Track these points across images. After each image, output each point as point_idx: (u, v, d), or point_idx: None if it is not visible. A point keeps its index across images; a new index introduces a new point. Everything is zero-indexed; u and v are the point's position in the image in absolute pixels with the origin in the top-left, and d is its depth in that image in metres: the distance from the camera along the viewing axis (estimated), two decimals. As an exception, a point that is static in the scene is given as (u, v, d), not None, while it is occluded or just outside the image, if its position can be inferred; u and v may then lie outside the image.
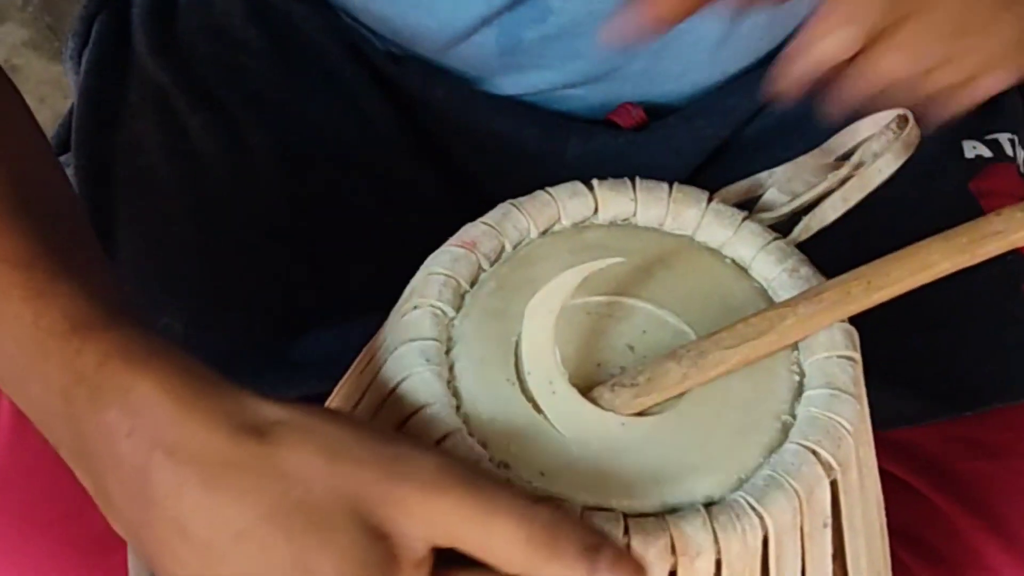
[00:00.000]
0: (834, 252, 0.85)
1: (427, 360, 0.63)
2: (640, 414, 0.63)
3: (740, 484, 0.61)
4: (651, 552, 0.57)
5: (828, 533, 0.63)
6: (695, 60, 0.91)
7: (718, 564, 0.59)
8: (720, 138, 0.93)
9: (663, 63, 0.90)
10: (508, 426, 0.62)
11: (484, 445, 0.60)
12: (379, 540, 0.51)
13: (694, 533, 0.58)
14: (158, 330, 0.80)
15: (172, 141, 0.88)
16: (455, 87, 0.91)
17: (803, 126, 0.91)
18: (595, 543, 0.52)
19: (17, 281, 0.57)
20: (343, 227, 0.90)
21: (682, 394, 0.64)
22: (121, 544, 0.77)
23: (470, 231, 0.68)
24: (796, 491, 0.60)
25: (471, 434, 0.61)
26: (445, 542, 0.52)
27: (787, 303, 0.65)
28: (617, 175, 0.88)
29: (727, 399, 0.64)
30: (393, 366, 0.63)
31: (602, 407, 0.63)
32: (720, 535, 0.58)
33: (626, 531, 0.57)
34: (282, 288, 0.86)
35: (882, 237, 0.86)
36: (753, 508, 0.60)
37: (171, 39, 0.93)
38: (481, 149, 0.92)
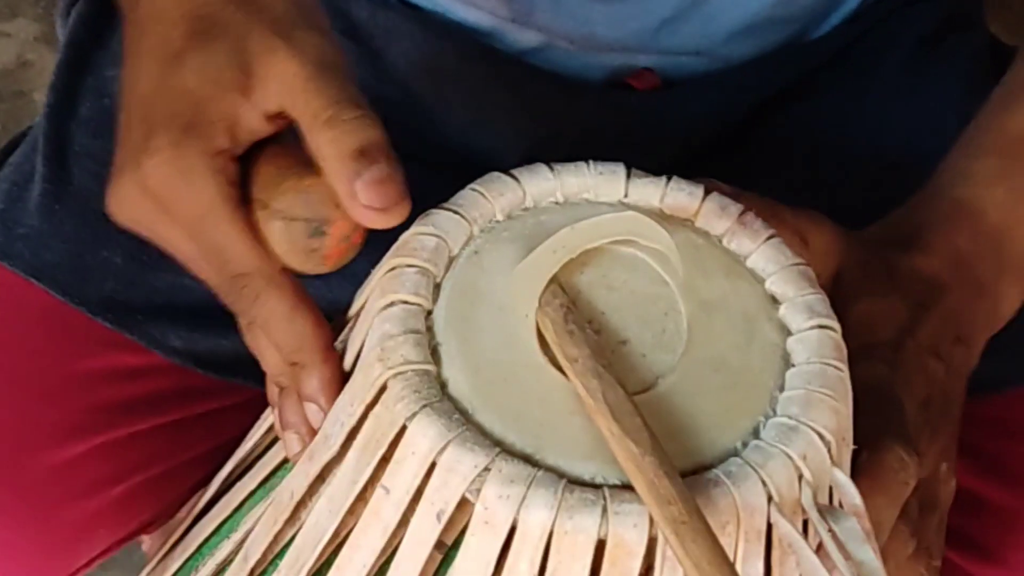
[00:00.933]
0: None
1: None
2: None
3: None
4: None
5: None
6: (716, 37, 0.91)
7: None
8: (733, 113, 0.94)
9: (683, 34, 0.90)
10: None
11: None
12: (243, 73, 0.61)
13: None
14: (96, 261, 0.84)
15: None
16: (468, 41, 0.92)
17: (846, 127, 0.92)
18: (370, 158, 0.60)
19: None
20: None
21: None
22: (88, 436, 0.83)
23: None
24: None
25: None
26: (285, 106, 0.62)
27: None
28: (630, 134, 0.90)
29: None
30: None
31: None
32: None
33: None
34: None
35: None
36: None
37: None
38: (491, 105, 0.92)
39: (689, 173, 0.92)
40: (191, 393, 0.88)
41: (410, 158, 0.91)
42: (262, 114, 0.63)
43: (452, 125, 0.93)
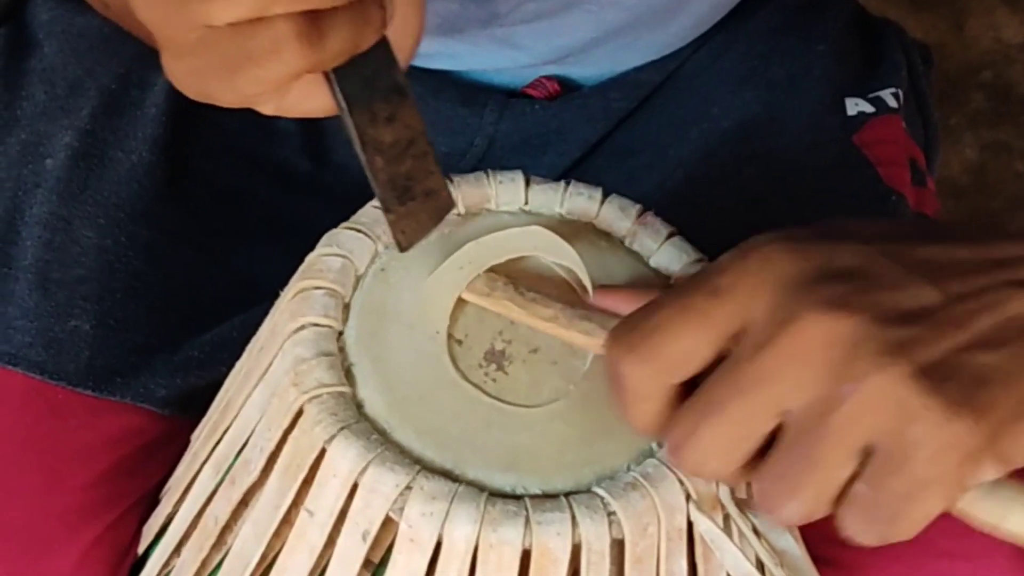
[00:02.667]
0: (727, 206, 0.86)
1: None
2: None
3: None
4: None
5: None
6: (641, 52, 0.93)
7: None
8: (630, 108, 0.94)
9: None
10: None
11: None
12: None
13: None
14: (66, 333, 0.82)
15: (79, 143, 0.88)
16: None
17: (712, 87, 0.93)
18: None
19: None
20: (246, 222, 0.91)
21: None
22: (95, 516, 0.80)
23: None
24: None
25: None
26: None
27: None
28: (532, 141, 0.91)
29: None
30: None
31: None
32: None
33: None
34: (188, 285, 0.87)
35: (772, 189, 0.87)
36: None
37: (88, 40, 0.93)
38: None
39: (590, 173, 0.93)
40: (180, 438, 0.83)
41: (315, 182, 0.93)
42: None
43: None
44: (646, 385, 0.55)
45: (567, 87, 0.94)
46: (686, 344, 0.54)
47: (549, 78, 0.93)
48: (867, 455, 0.53)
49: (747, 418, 0.53)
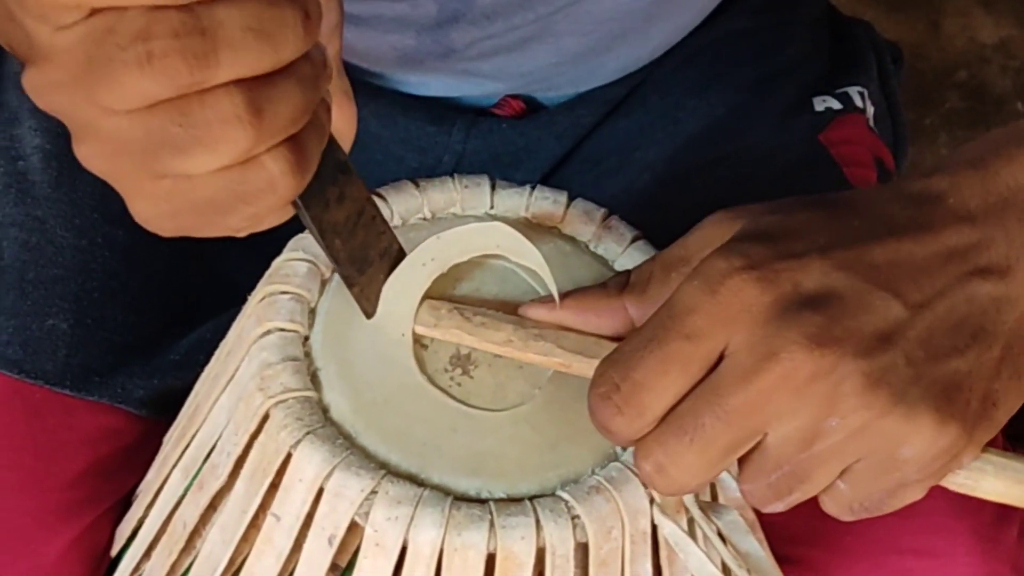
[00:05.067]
0: (694, 207, 0.85)
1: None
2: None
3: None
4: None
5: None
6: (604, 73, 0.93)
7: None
8: (597, 122, 0.94)
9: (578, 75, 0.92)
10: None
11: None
12: None
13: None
14: (44, 331, 0.82)
15: (51, 144, 0.88)
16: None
17: (679, 93, 0.94)
18: None
19: None
20: None
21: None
22: (73, 517, 0.80)
23: None
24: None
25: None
26: None
27: None
28: (501, 159, 0.91)
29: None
30: None
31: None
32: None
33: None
34: (165, 286, 0.87)
35: (738, 190, 0.85)
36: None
37: None
38: (369, 137, 0.92)
39: (559, 182, 0.93)
40: (157, 440, 0.82)
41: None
42: None
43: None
44: (636, 433, 0.57)
45: (532, 106, 0.94)
46: (671, 394, 0.56)
47: (514, 97, 0.93)
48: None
49: (732, 444, 0.55)
